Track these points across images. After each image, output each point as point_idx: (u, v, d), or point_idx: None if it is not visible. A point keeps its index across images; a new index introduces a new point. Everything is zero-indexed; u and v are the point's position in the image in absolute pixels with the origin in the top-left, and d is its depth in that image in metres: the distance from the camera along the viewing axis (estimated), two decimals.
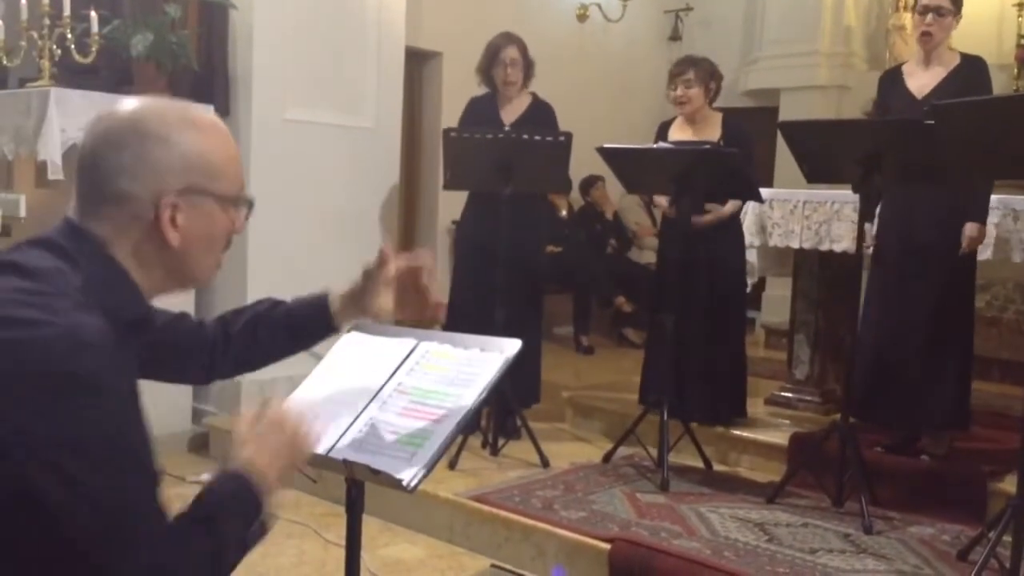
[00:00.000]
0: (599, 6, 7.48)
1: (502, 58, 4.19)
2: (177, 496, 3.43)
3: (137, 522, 1.13)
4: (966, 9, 3.64)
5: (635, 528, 3.16)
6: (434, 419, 1.50)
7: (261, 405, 1.38)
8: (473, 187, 4.28)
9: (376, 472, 1.44)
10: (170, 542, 1.19)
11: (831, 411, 4.13)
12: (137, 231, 1.22)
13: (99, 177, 1.21)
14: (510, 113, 4.27)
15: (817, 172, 3.49)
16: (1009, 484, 3.17)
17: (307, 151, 4.56)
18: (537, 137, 3.90)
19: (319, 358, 1.77)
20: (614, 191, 6.86)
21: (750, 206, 4.21)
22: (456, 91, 5.79)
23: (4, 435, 1.04)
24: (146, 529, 1.14)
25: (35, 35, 3.89)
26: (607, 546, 3.00)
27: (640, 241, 7.20)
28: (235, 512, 1.28)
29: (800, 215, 4.15)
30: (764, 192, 3.97)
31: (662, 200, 4.20)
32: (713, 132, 4.09)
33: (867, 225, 3.66)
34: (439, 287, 1.69)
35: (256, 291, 4.30)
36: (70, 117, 3.71)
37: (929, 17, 3.52)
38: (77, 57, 3.83)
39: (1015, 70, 6.42)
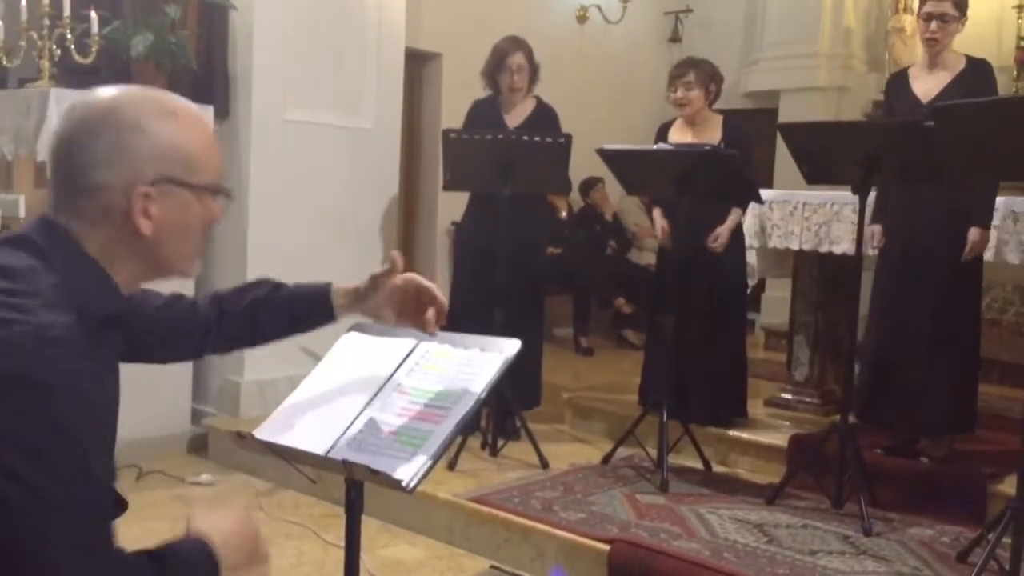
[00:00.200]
0: (599, 7, 7.48)
1: (509, 64, 4.18)
2: (176, 497, 3.42)
3: (77, 528, 1.10)
4: None
5: (634, 529, 3.16)
6: (433, 419, 1.50)
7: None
8: (473, 188, 4.28)
9: (375, 472, 1.44)
10: (112, 559, 1.16)
11: (830, 412, 4.13)
12: (111, 222, 1.21)
13: (74, 168, 1.20)
14: (515, 117, 4.27)
15: (817, 174, 3.49)
16: (1009, 486, 3.16)
17: (307, 152, 4.56)
18: (537, 138, 3.90)
19: (318, 358, 1.76)
20: (614, 193, 6.87)
21: (750, 207, 4.21)
22: (456, 92, 5.80)
23: None
24: (84, 536, 1.11)
25: (35, 35, 3.89)
26: (606, 547, 2.99)
27: (640, 242, 7.20)
28: (188, 568, 1.24)
29: (800, 217, 4.15)
30: (764, 194, 3.97)
31: (661, 223, 4.22)
32: (714, 134, 4.09)
33: (876, 226, 3.66)
34: (442, 300, 1.66)
35: None
36: None
37: (933, 24, 3.51)
38: (77, 57, 3.83)
39: (1015, 72, 6.43)
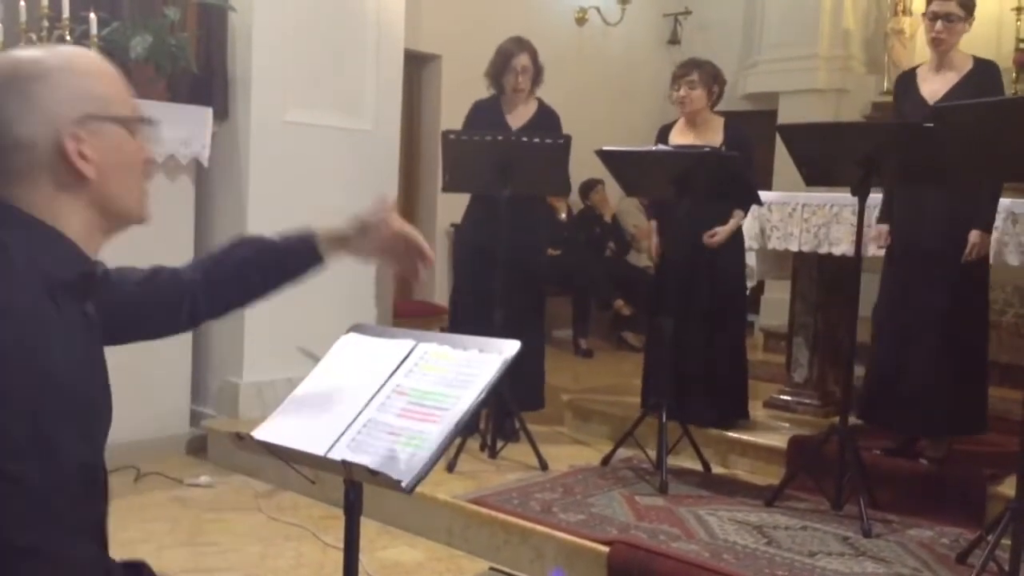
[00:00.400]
0: (598, 9, 7.49)
1: (513, 65, 4.19)
2: (174, 498, 3.42)
3: (27, 501, 1.07)
4: None
5: (634, 531, 3.16)
6: (432, 420, 1.50)
7: None
8: (472, 189, 4.28)
9: (374, 473, 1.43)
10: (78, 537, 1.15)
11: (830, 414, 4.13)
12: (50, 177, 1.19)
13: None
14: (517, 118, 4.28)
15: (816, 175, 3.49)
16: (1008, 487, 3.16)
17: (306, 153, 4.56)
18: (536, 140, 3.90)
19: (317, 359, 1.76)
20: (613, 195, 6.87)
21: (750, 209, 4.20)
22: (455, 94, 5.80)
23: None
24: (37, 511, 1.09)
25: (34, 37, 3.88)
26: (606, 549, 2.99)
27: (639, 244, 7.20)
28: None
29: (799, 218, 4.15)
30: (763, 195, 3.98)
31: (655, 240, 4.26)
32: (715, 136, 4.09)
33: (883, 226, 3.66)
34: (430, 255, 1.72)
35: None
36: None
37: (939, 24, 3.48)
38: None
39: (1014, 74, 6.43)
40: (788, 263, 4.44)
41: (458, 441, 3.66)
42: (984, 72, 3.52)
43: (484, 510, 3.32)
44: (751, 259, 4.38)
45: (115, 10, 4.18)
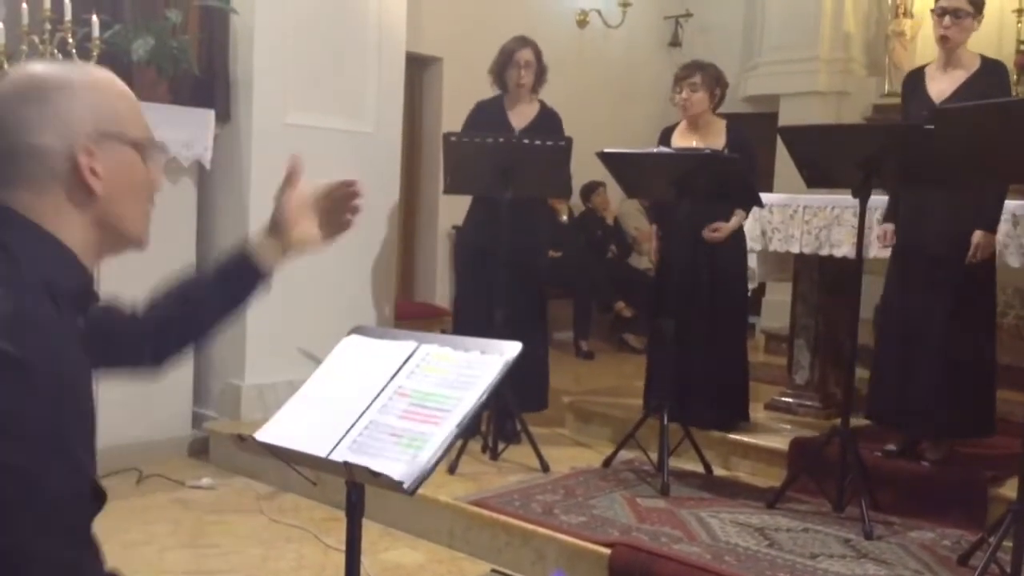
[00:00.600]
0: (599, 12, 7.49)
1: (517, 59, 4.21)
2: (176, 500, 3.42)
3: (48, 508, 1.07)
4: None
5: (635, 533, 3.16)
6: (434, 422, 1.50)
7: None
8: (473, 191, 4.29)
9: (376, 474, 1.44)
10: (82, 550, 1.13)
11: (831, 416, 4.13)
12: (58, 188, 1.20)
13: (5, 139, 1.19)
14: (519, 119, 4.29)
15: (817, 177, 3.49)
16: (1010, 489, 3.16)
17: (308, 155, 4.46)
18: (537, 142, 3.91)
19: (319, 361, 1.77)
20: (614, 197, 6.87)
21: (751, 211, 4.21)
22: (456, 96, 5.80)
23: None
24: (55, 518, 1.08)
25: (36, 39, 3.89)
26: (607, 551, 2.99)
27: (640, 246, 7.20)
28: None
29: (800, 220, 4.15)
30: (764, 197, 3.98)
31: (656, 244, 4.30)
32: (717, 139, 4.08)
33: (888, 225, 3.66)
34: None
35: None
36: None
37: (947, 19, 3.44)
38: (78, 62, 3.84)
39: (1015, 75, 6.43)
40: (789, 265, 4.44)
41: (459, 443, 3.67)
42: (992, 72, 3.48)
43: (485, 512, 3.33)
44: (752, 261, 4.38)
45: (117, 12, 4.19)
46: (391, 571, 3.19)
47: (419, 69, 6.49)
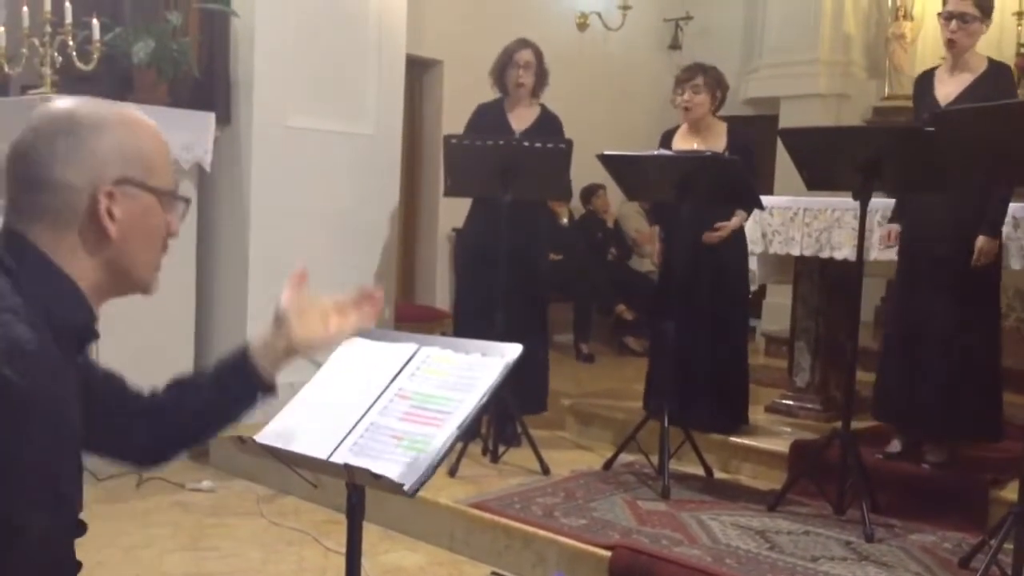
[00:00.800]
0: (599, 15, 7.49)
1: (516, 59, 4.21)
2: (176, 503, 3.41)
3: (40, 551, 1.08)
4: None
5: (636, 536, 3.16)
6: (435, 424, 1.50)
7: None
8: (473, 194, 4.29)
9: (377, 477, 1.43)
10: None
11: (832, 418, 4.13)
12: (74, 225, 1.20)
13: (32, 169, 1.19)
14: (520, 121, 4.29)
15: (817, 179, 3.49)
16: (1010, 492, 3.16)
17: (308, 158, 4.57)
18: (538, 144, 3.91)
19: (319, 364, 1.76)
20: (614, 199, 6.87)
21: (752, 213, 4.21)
22: (457, 99, 5.81)
23: None
24: (45, 561, 1.10)
25: (37, 42, 3.89)
26: (608, 554, 2.99)
27: (640, 249, 7.20)
28: None
29: (800, 222, 4.15)
30: (764, 200, 3.97)
31: (658, 246, 4.30)
32: (718, 142, 4.08)
33: (894, 225, 3.66)
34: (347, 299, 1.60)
35: (257, 298, 4.35)
36: None
37: (953, 24, 3.43)
38: (79, 64, 3.84)
39: (1015, 78, 6.43)
40: (790, 267, 4.44)
41: (460, 446, 3.66)
42: (997, 74, 3.48)
43: (486, 515, 3.32)
44: (752, 263, 4.38)
45: (117, 15, 4.19)
46: (391, 574, 3.18)
47: (419, 72, 6.50)
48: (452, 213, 5.66)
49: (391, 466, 1.45)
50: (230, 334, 4.36)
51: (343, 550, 1.74)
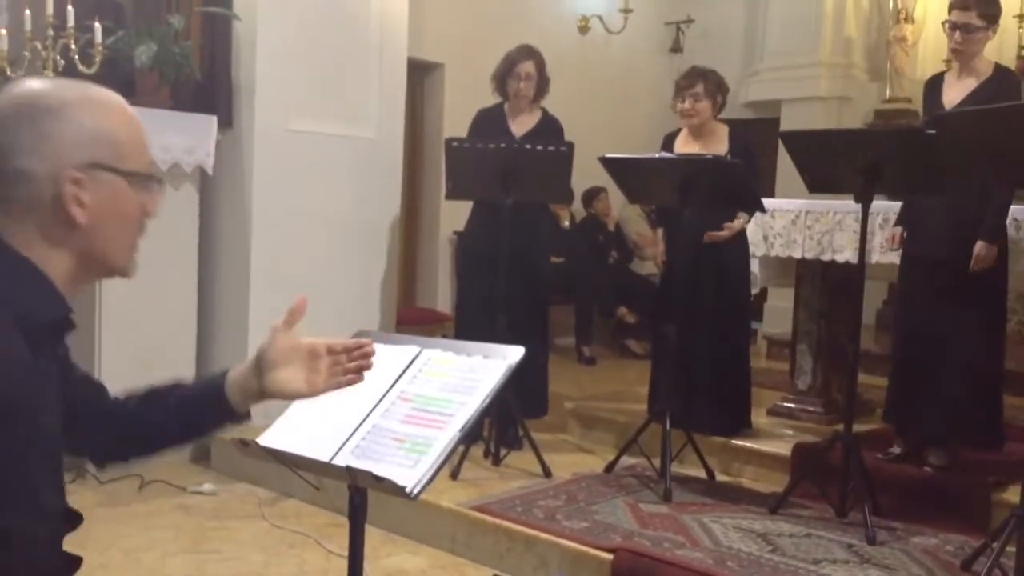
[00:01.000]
0: (600, 18, 7.50)
1: (518, 71, 4.22)
2: (178, 506, 3.42)
3: (20, 558, 1.07)
4: None
5: (637, 538, 3.16)
6: (437, 426, 1.50)
7: None
8: (475, 197, 4.30)
9: (379, 479, 1.44)
10: None
11: (834, 421, 4.12)
12: (41, 214, 1.15)
13: None
14: (520, 126, 4.29)
15: (818, 182, 3.48)
16: (1013, 494, 3.16)
17: (310, 161, 4.57)
18: (539, 147, 3.91)
19: None
20: (616, 202, 6.87)
21: (753, 216, 4.20)
22: (458, 102, 5.82)
23: None
24: (26, 567, 1.09)
25: (39, 45, 3.90)
26: (609, 556, 2.99)
27: (641, 252, 7.21)
28: None
29: (802, 225, 4.15)
30: (766, 202, 3.98)
31: (661, 248, 4.32)
32: (720, 145, 4.07)
33: (898, 228, 3.66)
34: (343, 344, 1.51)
35: (258, 300, 4.35)
36: None
37: (957, 34, 3.44)
38: (81, 67, 3.84)
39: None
40: (791, 270, 4.44)
41: (462, 449, 3.66)
42: (1002, 80, 3.48)
43: (488, 517, 3.32)
44: (754, 266, 4.38)
45: (120, 18, 4.19)
46: None
47: (421, 75, 6.50)
48: (453, 216, 5.66)
49: (393, 468, 1.45)
50: (232, 337, 4.37)
51: (345, 553, 1.74)
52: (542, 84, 4.29)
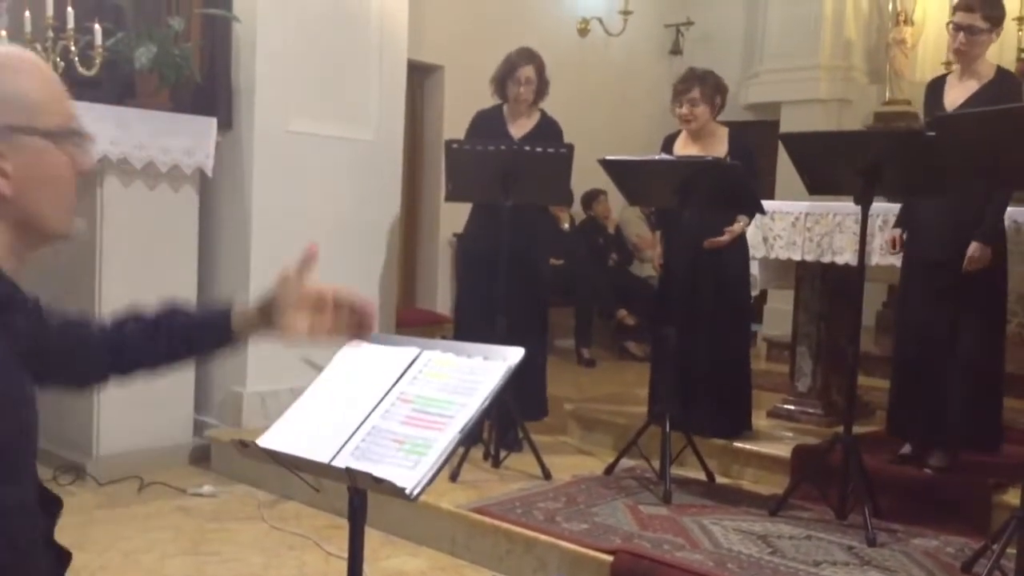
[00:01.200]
0: (600, 20, 7.51)
1: (518, 76, 4.22)
2: (177, 508, 3.42)
3: None
4: None
5: (637, 540, 3.15)
6: (437, 428, 1.50)
7: None
8: (474, 199, 4.30)
9: (379, 480, 1.43)
10: None
11: (834, 423, 4.12)
12: None
13: None
14: (519, 128, 4.29)
15: (818, 184, 3.48)
16: (1013, 496, 3.16)
17: (309, 163, 4.57)
18: (539, 149, 3.91)
19: (320, 369, 1.76)
20: (615, 204, 6.88)
21: (753, 218, 4.21)
22: (458, 104, 5.82)
23: None
24: None
25: (39, 47, 3.90)
26: (609, 558, 2.99)
27: (641, 253, 7.21)
28: None
29: (802, 227, 4.15)
30: (766, 204, 3.98)
31: (659, 251, 4.33)
32: (719, 147, 4.07)
33: (898, 230, 3.66)
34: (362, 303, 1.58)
35: None
36: None
37: (961, 36, 3.44)
38: (81, 69, 3.85)
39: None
40: (791, 272, 4.44)
41: (461, 450, 3.66)
42: (1003, 82, 3.48)
43: (487, 519, 3.32)
44: (753, 268, 4.38)
45: (120, 20, 4.20)
46: None
47: (421, 77, 6.51)
48: (453, 218, 5.66)
49: (393, 470, 1.45)
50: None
51: (344, 555, 1.74)
52: (542, 87, 4.29)
